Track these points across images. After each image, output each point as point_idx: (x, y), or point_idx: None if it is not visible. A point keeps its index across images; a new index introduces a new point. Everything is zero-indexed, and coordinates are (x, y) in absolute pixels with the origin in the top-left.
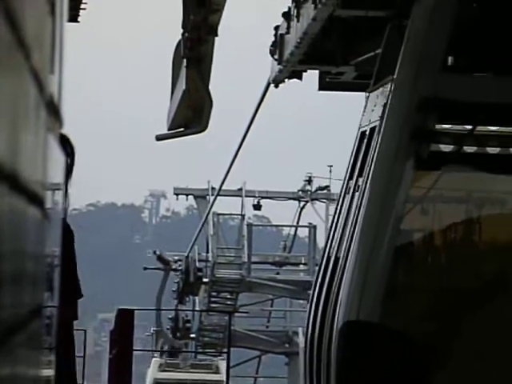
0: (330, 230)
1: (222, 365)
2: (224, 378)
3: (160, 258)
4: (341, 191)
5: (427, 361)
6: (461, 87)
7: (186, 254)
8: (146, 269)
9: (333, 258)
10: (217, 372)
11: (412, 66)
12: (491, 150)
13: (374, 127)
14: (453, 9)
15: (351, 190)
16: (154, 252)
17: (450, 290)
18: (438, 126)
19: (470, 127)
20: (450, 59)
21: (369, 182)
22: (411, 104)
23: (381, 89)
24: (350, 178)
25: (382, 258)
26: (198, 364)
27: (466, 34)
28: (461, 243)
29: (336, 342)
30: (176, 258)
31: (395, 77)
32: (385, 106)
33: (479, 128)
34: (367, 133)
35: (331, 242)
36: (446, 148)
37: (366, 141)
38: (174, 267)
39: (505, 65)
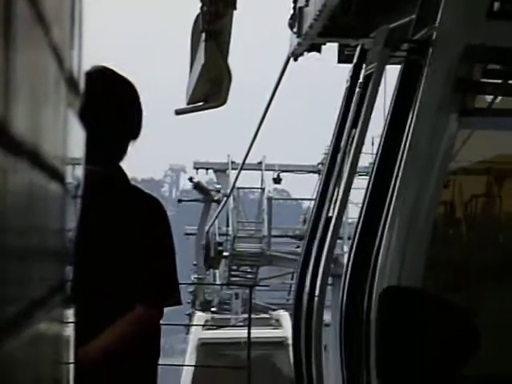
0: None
1: (284, 318)
2: (288, 334)
3: (198, 187)
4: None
5: (471, 327)
6: (509, 34)
7: (206, 229)
8: (180, 201)
9: (334, 218)
10: (278, 327)
11: (456, 13)
12: None
13: (371, 74)
14: None
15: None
16: (191, 179)
17: (498, 257)
18: (484, 77)
19: None
20: (496, 5)
21: (408, 139)
22: (455, 54)
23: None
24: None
25: (423, 221)
26: (253, 318)
27: None
28: (509, 210)
29: (375, 308)
30: (217, 186)
31: (437, 25)
32: (381, 51)
33: None
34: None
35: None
36: (493, 100)
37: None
38: (216, 198)
39: None
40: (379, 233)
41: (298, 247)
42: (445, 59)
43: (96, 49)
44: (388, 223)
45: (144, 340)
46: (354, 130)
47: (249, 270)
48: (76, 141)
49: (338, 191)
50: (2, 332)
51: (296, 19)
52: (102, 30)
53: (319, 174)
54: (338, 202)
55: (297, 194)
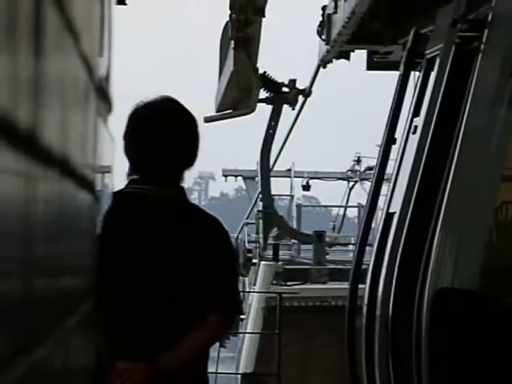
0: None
1: None
2: None
3: (264, 79)
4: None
5: None
6: None
7: (235, 236)
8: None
9: (397, 214)
10: None
11: None
12: None
13: (434, 56)
14: None
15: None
16: (255, 70)
17: None
18: None
19: None
20: None
21: (461, 130)
22: None
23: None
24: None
25: (479, 219)
26: (343, 270)
27: None
28: None
29: (428, 311)
30: (291, 78)
31: (493, 5)
32: (449, 28)
33: None
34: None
35: (391, 196)
36: None
37: (423, 73)
38: (289, 98)
39: None
40: (430, 231)
41: (328, 254)
42: (501, 42)
43: (125, 56)
44: (440, 221)
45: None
46: (415, 119)
47: None
48: (105, 149)
49: (396, 184)
50: (36, 337)
51: (325, 26)
52: (131, 37)
53: (348, 181)
54: (402, 195)
55: (326, 200)
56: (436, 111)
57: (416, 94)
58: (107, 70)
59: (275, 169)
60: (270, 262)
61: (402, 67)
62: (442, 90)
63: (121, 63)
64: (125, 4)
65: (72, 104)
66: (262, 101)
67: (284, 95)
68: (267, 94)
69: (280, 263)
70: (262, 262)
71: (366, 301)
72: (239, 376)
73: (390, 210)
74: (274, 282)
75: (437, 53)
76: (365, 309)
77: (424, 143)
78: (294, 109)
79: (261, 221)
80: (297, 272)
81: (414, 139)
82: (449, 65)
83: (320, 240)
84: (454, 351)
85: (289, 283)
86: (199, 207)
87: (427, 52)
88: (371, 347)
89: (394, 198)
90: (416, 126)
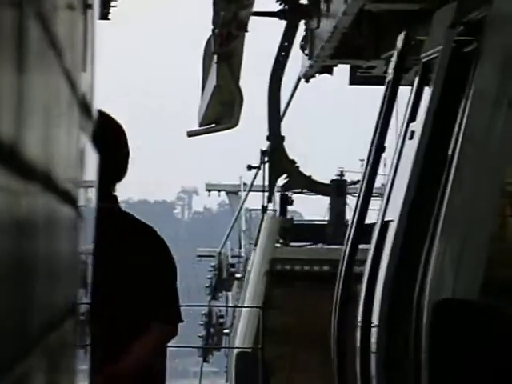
0: (388, 189)
1: None
2: None
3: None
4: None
5: None
6: None
7: (218, 250)
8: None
9: (395, 223)
10: None
11: None
12: None
13: (430, 60)
14: None
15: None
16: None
17: None
18: None
19: None
20: None
21: (460, 134)
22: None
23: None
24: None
25: (480, 227)
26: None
27: None
28: None
29: (427, 322)
30: None
31: (491, 5)
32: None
33: None
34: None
35: (386, 204)
36: None
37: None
38: (306, 10)
39: None
40: (428, 240)
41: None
42: (500, 43)
43: (108, 71)
44: (439, 230)
45: (157, 356)
46: (411, 124)
47: None
48: (89, 164)
49: (392, 191)
50: (18, 352)
51: (308, 41)
52: (114, 52)
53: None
54: (400, 203)
55: (309, 215)
56: (434, 115)
57: (412, 99)
58: (91, 85)
59: (258, 183)
60: (276, 215)
61: (391, 72)
62: (441, 94)
63: (103, 78)
64: (108, 19)
65: (55, 119)
66: (272, 14)
67: (301, 8)
68: (280, 7)
69: (288, 218)
70: (266, 216)
71: (360, 313)
72: (234, 354)
73: (386, 218)
74: (281, 241)
75: (434, 56)
76: (359, 323)
77: (422, 148)
78: (307, 28)
79: (266, 165)
80: (309, 229)
81: (412, 145)
82: (447, 67)
83: (339, 192)
84: (455, 361)
85: (298, 244)
86: (132, 215)
87: (423, 56)
88: (367, 361)
89: (390, 206)
90: (413, 132)
